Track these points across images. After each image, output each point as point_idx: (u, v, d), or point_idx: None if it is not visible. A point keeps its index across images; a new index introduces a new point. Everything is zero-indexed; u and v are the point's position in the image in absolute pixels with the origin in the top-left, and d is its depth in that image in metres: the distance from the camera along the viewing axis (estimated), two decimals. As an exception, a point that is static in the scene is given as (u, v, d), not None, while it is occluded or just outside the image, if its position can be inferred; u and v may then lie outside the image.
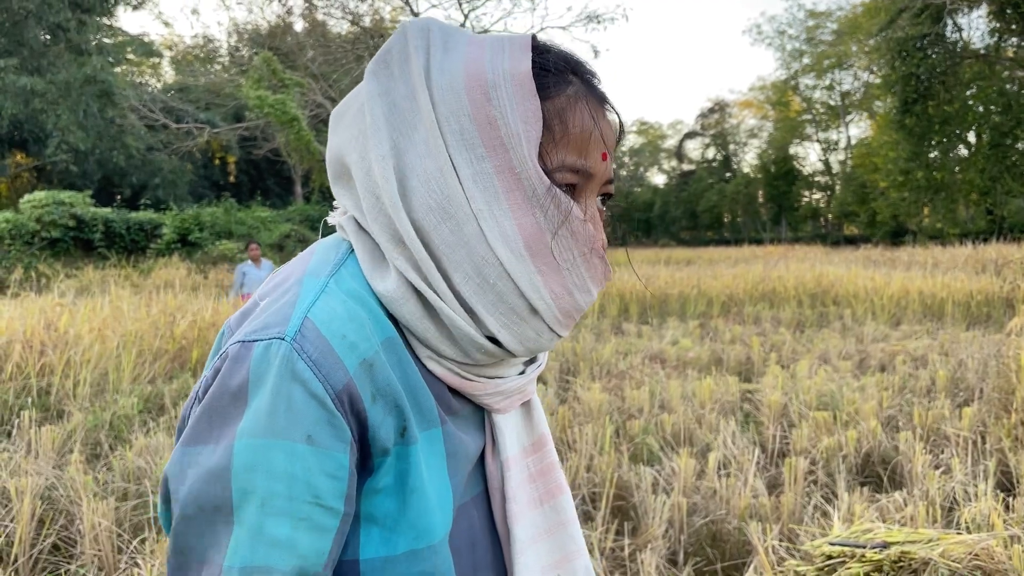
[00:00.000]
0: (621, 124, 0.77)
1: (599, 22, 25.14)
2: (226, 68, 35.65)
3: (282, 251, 20.92)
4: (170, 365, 6.58)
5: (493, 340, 0.72)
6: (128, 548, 3.07)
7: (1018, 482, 3.83)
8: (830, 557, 2.59)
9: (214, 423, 0.63)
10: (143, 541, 3.11)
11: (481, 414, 0.79)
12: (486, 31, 28.73)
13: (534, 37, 0.73)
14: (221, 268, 17.40)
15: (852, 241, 39.86)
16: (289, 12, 29.09)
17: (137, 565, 2.92)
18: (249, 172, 39.29)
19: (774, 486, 4.07)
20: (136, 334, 6.61)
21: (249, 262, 9.48)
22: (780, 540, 3.12)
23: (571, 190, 0.71)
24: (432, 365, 0.72)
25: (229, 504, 0.60)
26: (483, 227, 0.67)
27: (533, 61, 0.70)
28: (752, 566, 2.84)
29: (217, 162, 39.25)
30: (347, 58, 27.39)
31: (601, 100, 0.73)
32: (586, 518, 3.62)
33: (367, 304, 0.69)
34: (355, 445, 0.65)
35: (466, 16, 26.63)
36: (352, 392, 0.64)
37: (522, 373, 0.80)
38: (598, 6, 49.60)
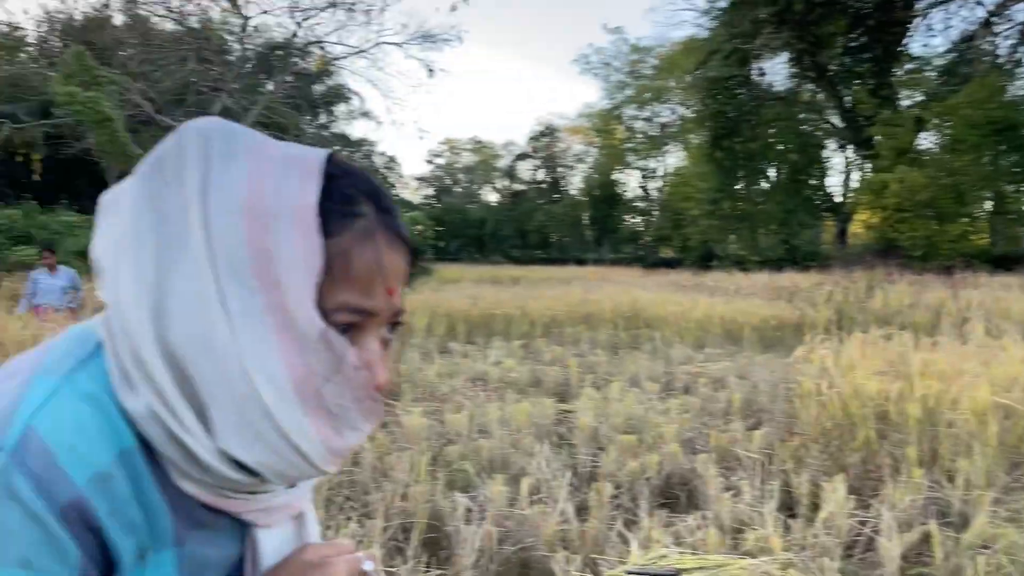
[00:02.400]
0: (413, 253, 0.73)
1: (434, 42, 25.32)
2: (34, 59, 32.55)
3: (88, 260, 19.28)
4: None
5: (251, 469, 0.67)
6: None
7: (798, 503, 4.19)
8: (626, 586, 2.70)
9: None
10: None
11: (240, 524, 0.73)
12: (320, 43, 28.11)
13: (331, 157, 0.68)
14: (18, 276, 15.74)
15: (668, 263, 42.34)
16: (107, 5, 27.05)
17: None
18: (56, 171, 35.92)
19: (583, 510, 4.21)
20: None
21: (44, 269, 8.64)
22: (583, 569, 3.22)
23: (352, 328, 0.67)
24: (183, 483, 0.66)
25: None
26: (248, 365, 0.61)
27: (324, 188, 0.65)
28: (556, 596, 2.91)
29: (20, 159, 35.61)
30: (170, 58, 25.86)
31: (394, 234, 0.69)
32: (397, 551, 3.57)
33: (105, 410, 0.63)
34: (95, 562, 0.60)
35: (299, 25, 25.92)
36: (82, 508, 0.59)
37: (292, 486, 0.75)
38: (433, 25, 49.89)
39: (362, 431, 0.69)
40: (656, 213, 53.28)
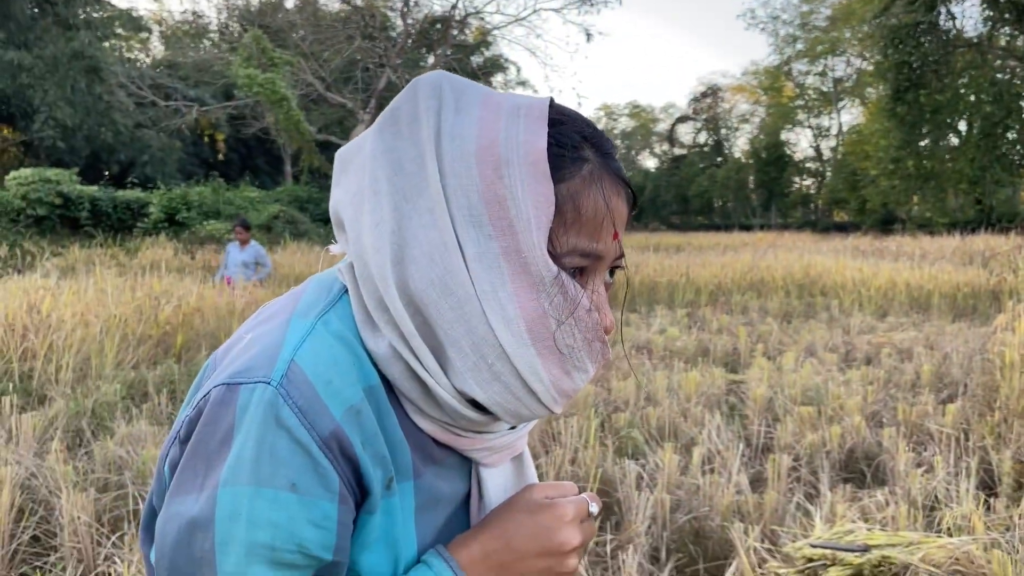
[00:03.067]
0: (634, 197, 0.74)
1: (592, 4, 24.97)
2: (216, 44, 35.29)
3: (270, 232, 20.73)
4: (154, 351, 6.53)
5: (483, 408, 0.70)
6: (107, 543, 3.05)
7: (999, 481, 3.84)
8: (811, 560, 2.59)
9: (198, 470, 0.62)
10: (122, 537, 3.08)
11: (468, 462, 0.77)
12: (478, 14, 28.50)
13: (552, 103, 0.69)
14: (209, 249, 17.27)
15: (842, 228, 39.93)
16: (280, -11, 28.75)
17: (115, 562, 2.90)
18: (238, 151, 38.97)
19: (758, 482, 4.08)
20: (120, 318, 6.55)
21: (236, 243, 9.36)
22: (762, 540, 3.12)
23: (580, 272, 0.69)
24: (419, 419, 0.71)
25: (212, 555, 0.60)
26: (485, 308, 0.64)
27: (549, 135, 0.66)
28: (733, 566, 2.84)
29: (206, 140, 38.92)
30: (338, 37, 27.15)
31: (616, 178, 0.70)
32: (569, 514, 3.62)
33: (354, 349, 0.68)
34: (350, 490, 0.65)
35: (458, -2, 26.33)
36: (341, 438, 0.63)
37: (513, 428, 0.78)
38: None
39: (589, 372, 0.70)
40: (830, 174, 50.19)
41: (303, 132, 22.93)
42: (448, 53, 29.99)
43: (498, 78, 47.52)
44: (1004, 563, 2.64)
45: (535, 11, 26.70)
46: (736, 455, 4.07)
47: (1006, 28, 33.63)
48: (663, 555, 3.27)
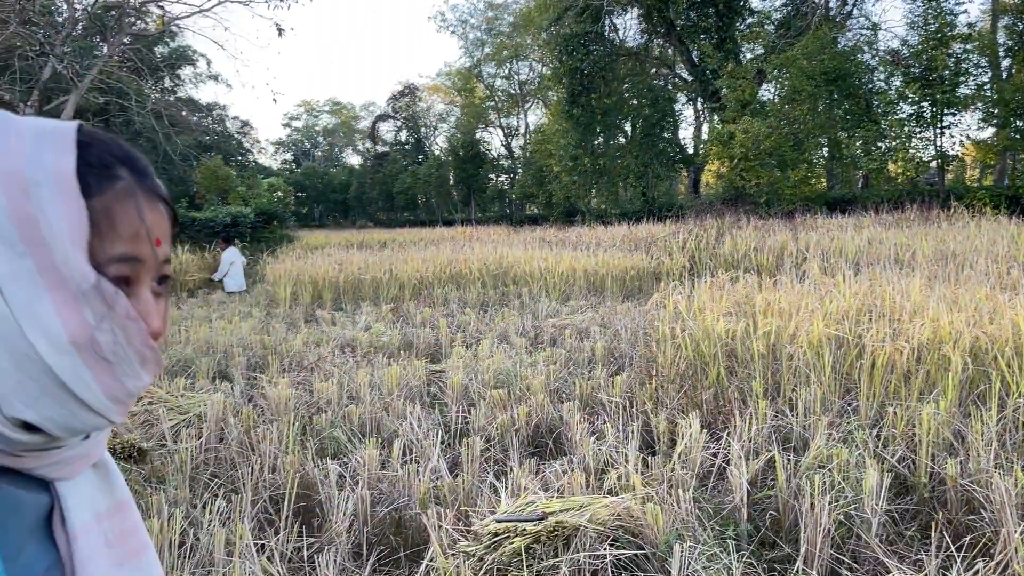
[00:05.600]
0: (174, 213, 0.79)
1: (282, 0, 24.19)
2: None
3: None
4: None
5: (37, 429, 0.69)
6: None
7: (658, 441, 4.43)
8: (496, 534, 2.80)
9: None
10: None
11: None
12: (157, 2, 26.27)
13: (80, 128, 0.72)
14: None
15: (534, 220, 42.99)
16: None
17: None
18: None
19: (455, 466, 4.30)
20: None
21: None
22: (456, 522, 3.30)
23: (126, 282, 0.71)
24: None
25: None
26: (22, 325, 0.65)
27: (79, 156, 0.69)
28: (430, 551, 2.97)
29: None
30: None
31: (152, 193, 0.74)
32: (268, 524, 3.53)
33: None
34: None
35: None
36: None
37: (87, 438, 0.77)
38: (280, -19, 47.65)
39: (143, 378, 0.73)
40: (520, 171, 53.77)
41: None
42: (125, 43, 27.27)
43: (187, 71, 44.25)
44: (656, 514, 3.07)
45: (220, 3, 25.25)
46: (436, 443, 4.25)
47: (659, 39, 38.46)
48: (364, 551, 3.33)
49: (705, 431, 4.23)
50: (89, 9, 26.47)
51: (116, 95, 28.40)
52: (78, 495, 0.77)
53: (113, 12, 27.31)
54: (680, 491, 3.30)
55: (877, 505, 3.33)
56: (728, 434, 4.25)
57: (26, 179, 0.66)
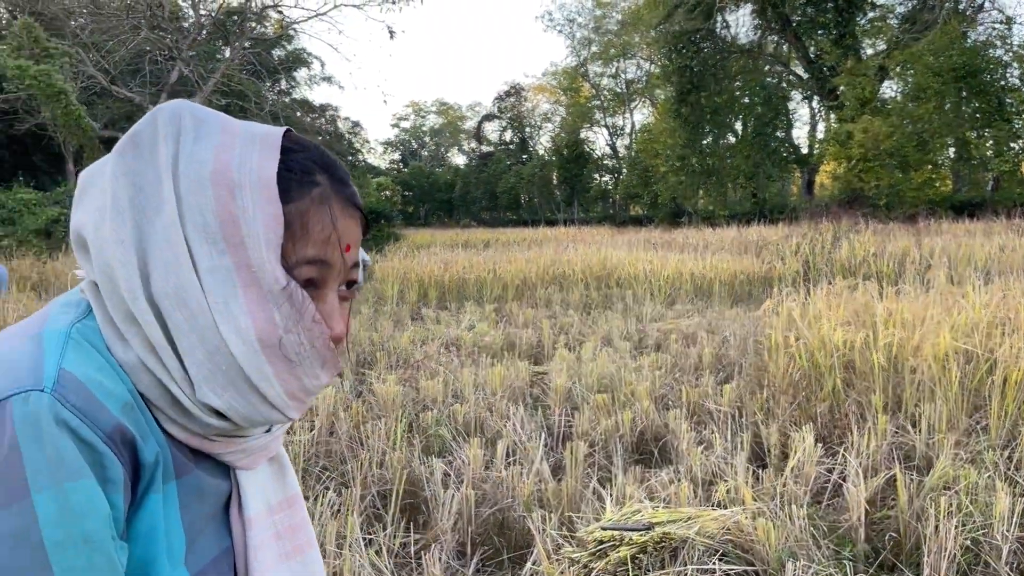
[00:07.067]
0: (365, 220, 0.81)
1: (394, 2, 24.86)
2: (-20, 32, 31.44)
3: (50, 238, 18.73)
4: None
5: (223, 415, 0.74)
6: None
7: (768, 453, 4.28)
8: (601, 542, 2.77)
9: None
10: None
11: (225, 466, 0.81)
12: (276, 7, 27.46)
13: (288, 132, 0.75)
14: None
15: (638, 221, 42.48)
16: (54, -27, 26.13)
17: None
18: (10, 148, 34.94)
19: (558, 470, 4.28)
20: None
21: None
22: (560, 527, 3.28)
23: (313, 285, 0.75)
24: (170, 427, 0.73)
25: (45, 559, 0.60)
26: (216, 319, 0.69)
27: (282, 161, 0.72)
28: (534, 555, 2.97)
29: (-27, 136, 34.57)
30: (122, 27, 25.12)
31: (347, 201, 0.76)
32: (376, 519, 3.61)
33: (108, 359, 0.70)
34: (128, 482, 0.68)
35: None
36: (123, 431, 0.67)
37: (268, 431, 0.82)
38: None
39: (321, 379, 0.76)
40: (625, 171, 53.26)
41: (85, 128, 20.98)
42: (246, 46, 28.65)
43: (301, 73, 46.07)
44: (768, 529, 2.96)
45: (336, 7, 26.14)
46: (539, 445, 4.25)
47: (773, 36, 37.29)
48: (469, 550, 3.35)
49: (820, 445, 4.05)
50: (213, 14, 27.93)
51: (236, 97, 29.84)
52: (255, 485, 0.82)
53: (235, 17, 28.72)
54: (794, 507, 3.17)
55: (1008, 531, 3.10)
56: (844, 449, 4.06)
57: (233, 180, 0.70)
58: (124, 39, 24.84)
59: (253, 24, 29.57)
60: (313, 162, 0.75)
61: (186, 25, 28.15)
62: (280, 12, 29.65)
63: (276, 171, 0.71)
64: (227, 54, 29.32)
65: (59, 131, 23.06)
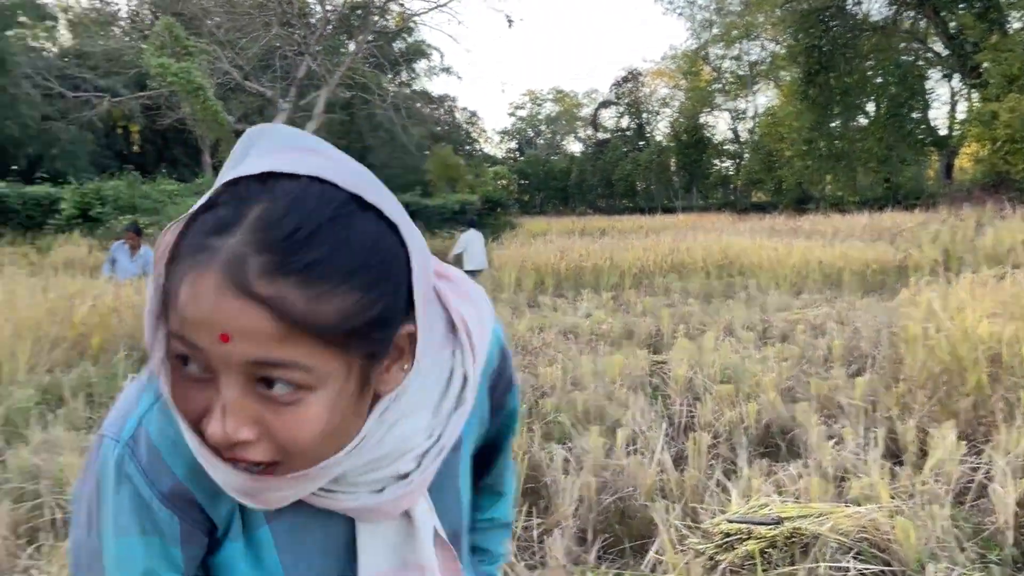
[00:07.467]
0: (282, 313, 0.60)
1: (513, -10, 24.95)
2: (126, 32, 33.87)
3: (190, 227, 19.95)
4: (69, 353, 6.30)
5: None
6: (23, 555, 2.96)
7: (904, 450, 4.07)
8: (728, 534, 2.72)
9: (82, 507, 0.74)
10: (39, 548, 3.00)
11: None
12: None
13: (233, 185, 0.63)
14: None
15: (760, 208, 41.06)
16: (192, -25, 27.76)
17: (32, 574, 2.82)
18: (154, 142, 37.57)
19: (680, 460, 4.22)
20: (32, 320, 6.29)
21: (126, 248, 8.65)
22: (683, 517, 3.24)
23: (189, 362, 0.62)
24: None
25: None
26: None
27: (186, 224, 0.63)
28: (656, 544, 2.95)
29: (120, 132, 37.38)
30: (254, 24, 26.45)
31: (238, 283, 0.58)
32: (499, 501, 3.68)
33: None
34: (198, 531, 0.74)
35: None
36: (183, 492, 0.71)
37: (380, 491, 0.75)
38: (514, -26, 49.10)
39: (217, 477, 0.66)
40: (747, 156, 51.56)
41: (221, 122, 22.28)
42: (369, 40, 29.55)
43: (421, 64, 47.12)
44: (907, 529, 2.82)
45: (455, -3, 26.53)
46: (659, 435, 4.20)
47: (909, 12, 35.08)
48: (590, 536, 3.37)
49: (962, 443, 3.82)
50: (339, 9, 28.87)
51: (360, 89, 30.77)
52: (375, 541, 0.79)
53: (359, 11, 29.59)
54: (935, 507, 3.01)
55: None
56: (991, 448, 3.81)
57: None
58: (256, 36, 26.11)
59: (376, 18, 30.43)
60: (217, 223, 0.60)
61: (313, 20, 29.28)
62: (401, 5, 30.39)
63: (175, 237, 0.62)
64: (351, 48, 30.33)
65: (197, 125, 24.50)
